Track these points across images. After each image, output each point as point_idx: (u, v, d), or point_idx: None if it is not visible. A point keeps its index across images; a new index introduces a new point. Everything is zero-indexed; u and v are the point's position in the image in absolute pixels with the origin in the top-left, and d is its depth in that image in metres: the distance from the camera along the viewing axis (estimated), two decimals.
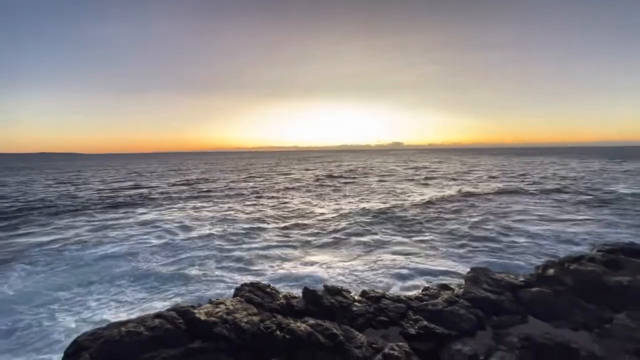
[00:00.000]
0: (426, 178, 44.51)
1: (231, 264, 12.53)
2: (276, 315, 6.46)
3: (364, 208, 22.98)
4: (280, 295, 7.77)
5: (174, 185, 41.67)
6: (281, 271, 11.74)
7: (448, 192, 30.32)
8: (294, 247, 14.47)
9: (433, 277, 10.59)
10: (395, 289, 9.69)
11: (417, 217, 19.85)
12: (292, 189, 36.39)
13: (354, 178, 47.53)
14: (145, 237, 16.39)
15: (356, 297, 7.93)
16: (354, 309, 7.29)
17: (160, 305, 8.97)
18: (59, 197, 30.75)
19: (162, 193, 33.44)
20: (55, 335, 7.83)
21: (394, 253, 13.32)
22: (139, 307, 9.20)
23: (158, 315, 5.92)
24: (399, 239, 15.40)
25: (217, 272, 11.70)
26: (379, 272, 11.28)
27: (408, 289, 9.69)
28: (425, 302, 7.45)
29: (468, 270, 9.69)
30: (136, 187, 39.60)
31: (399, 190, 32.80)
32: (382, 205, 23.82)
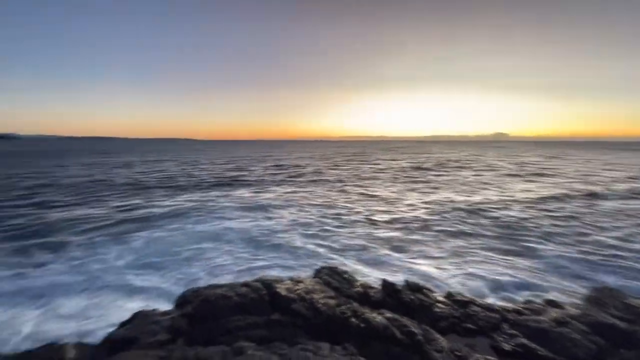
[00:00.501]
0: (535, 174, 38.06)
1: (314, 246, 13.05)
2: (352, 302, 6.44)
3: (456, 203, 21.06)
4: (358, 283, 7.72)
5: (268, 169, 45.63)
6: (361, 259, 11.66)
7: (564, 191, 25.35)
8: (377, 237, 14.20)
9: (537, 292, 8.98)
10: (487, 298, 8.60)
11: (521, 218, 17.20)
12: (378, 178, 35.71)
13: (447, 171, 43.92)
14: (245, 213, 18.46)
15: (439, 298, 7.33)
16: (436, 310, 6.75)
17: (256, 272, 10.08)
18: (180, 175, 36.86)
19: (259, 176, 36.98)
20: (176, 283, 9.52)
21: (490, 257, 11.82)
22: (237, 271, 10.48)
23: (245, 284, 6.54)
24: (497, 241, 13.59)
25: (302, 252, 12.37)
26: (470, 275, 10.16)
27: (503, 299, 8.49)
28: (525, 317, 6.42)
29: (585, 289, 7.98)
30: (238, 169, 44.81)
31: (500, 187, 28.93)
32: (479, 202, 21.39)
